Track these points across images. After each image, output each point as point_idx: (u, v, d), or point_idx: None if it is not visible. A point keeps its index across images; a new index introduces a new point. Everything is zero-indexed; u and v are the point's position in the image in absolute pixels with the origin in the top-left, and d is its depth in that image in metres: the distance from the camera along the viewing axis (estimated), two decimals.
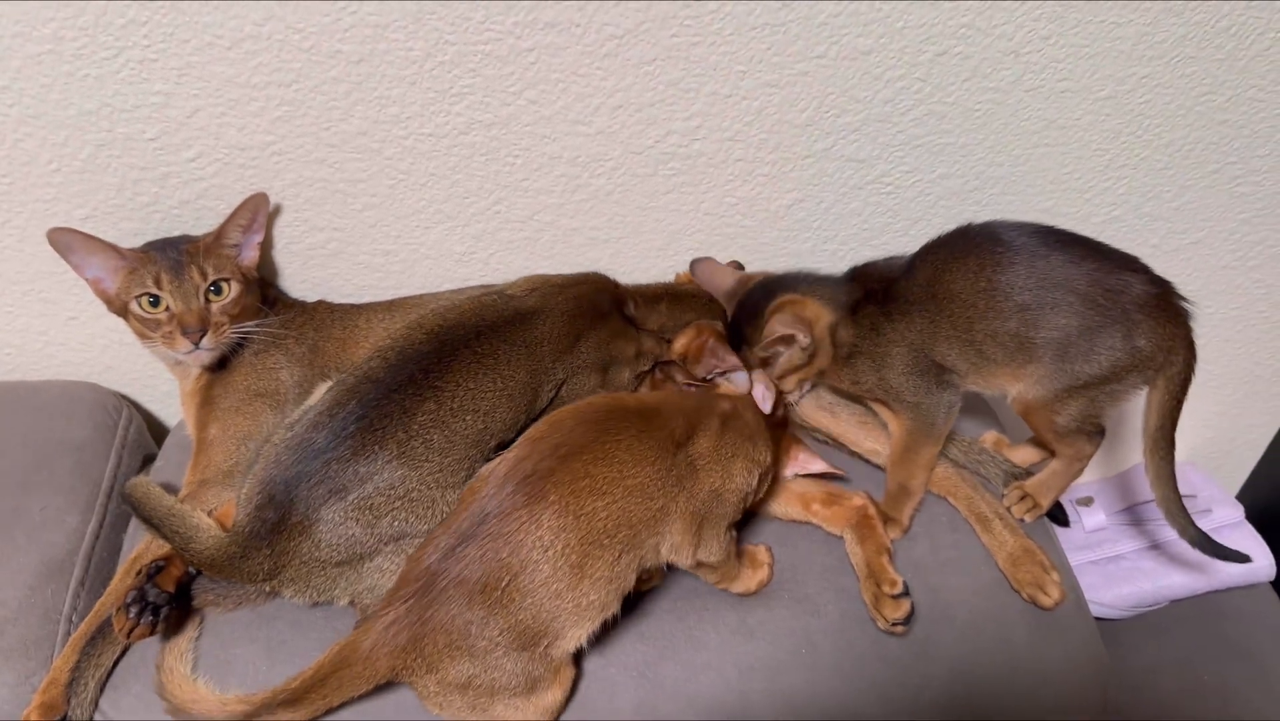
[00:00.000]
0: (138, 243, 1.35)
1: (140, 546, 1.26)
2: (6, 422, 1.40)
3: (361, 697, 1.08)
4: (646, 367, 1.38)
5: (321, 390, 1.25)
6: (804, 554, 1.32)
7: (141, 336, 1.34)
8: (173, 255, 1.32)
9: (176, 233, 1.39)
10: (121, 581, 1.23)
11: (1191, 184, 1.59)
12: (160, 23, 1.21)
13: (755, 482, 1.15)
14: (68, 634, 1.23)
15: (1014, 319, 1.19)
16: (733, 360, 1.30)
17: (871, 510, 1.30)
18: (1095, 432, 1.34)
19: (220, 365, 1.36)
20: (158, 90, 1.27)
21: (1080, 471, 1.44)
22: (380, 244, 1.48)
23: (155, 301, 1.30)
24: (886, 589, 1.21)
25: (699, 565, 1.13)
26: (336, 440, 1.12)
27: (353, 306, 1.46)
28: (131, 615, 1.10)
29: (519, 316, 1.26)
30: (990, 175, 1.53)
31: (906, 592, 1.21)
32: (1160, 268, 1.22)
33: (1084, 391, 1.22)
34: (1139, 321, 1.19)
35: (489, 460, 1.18)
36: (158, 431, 1.65)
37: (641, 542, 1.07)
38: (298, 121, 1.32)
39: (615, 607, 1.09)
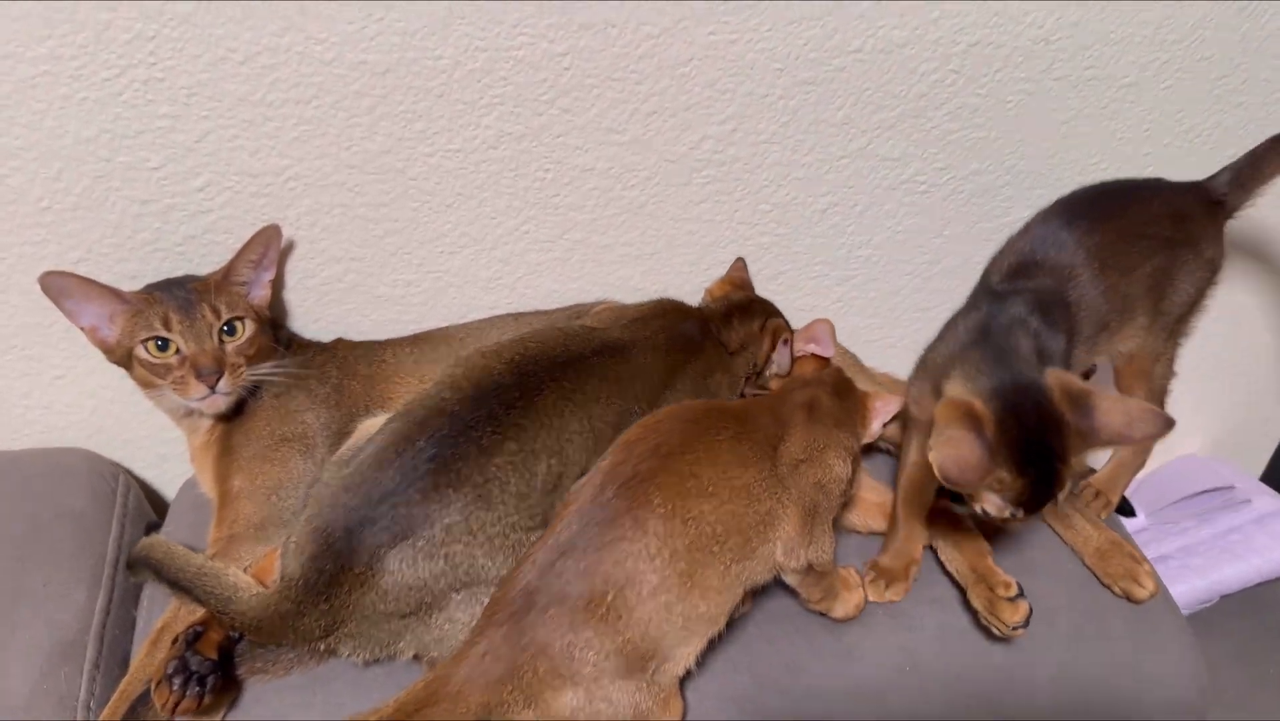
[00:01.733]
0: (136, 286, 1.23)
1: (167, 615, 1.11)
2: None
3: None
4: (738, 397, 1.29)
5: (365, 427, 1.14)
6: None
7: (146, 386, 1.22)
8: (180, 294, 1.20)
9: (179, 274, 1.27)
10: (148, 656, 1.09)
11: (1210, 168, 1.60)
12: (168, 38, 1.11)
13: (850, 470, 1.08)
14: None
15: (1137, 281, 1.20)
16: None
17: (959, 511, 1.24)
18: (1167, 421, 1.32)
19: (235, 413, 1.24)
20: (164, 113, 1.17)
21: (1144, 463, 1.40)
22: (401, 273, 1.38)
23: (163, 345, 1.18)
24: (1001, 592, 1.13)
25: (808, 571, 1.05)
26: (406, 481, 1.00)
27: (375, 342, 1.36)
28: (175, 687, 0.96)
29: (608, 349, 1.15)
30: (1020, 169, 1.51)
31: (1022, 593, 1.13)
32: None
33: (1177, 326, 1.25)
34: (1205, 234, 1.25)
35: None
36: (153, 501, 1.49)
37: (753, 551, 0.99)
38: (316, 142, 1.23)
39: (722, 623, 1.00)
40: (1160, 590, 1.26)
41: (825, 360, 1.25)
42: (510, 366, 1.08)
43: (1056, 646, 1.20)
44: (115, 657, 1.16)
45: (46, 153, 1.16)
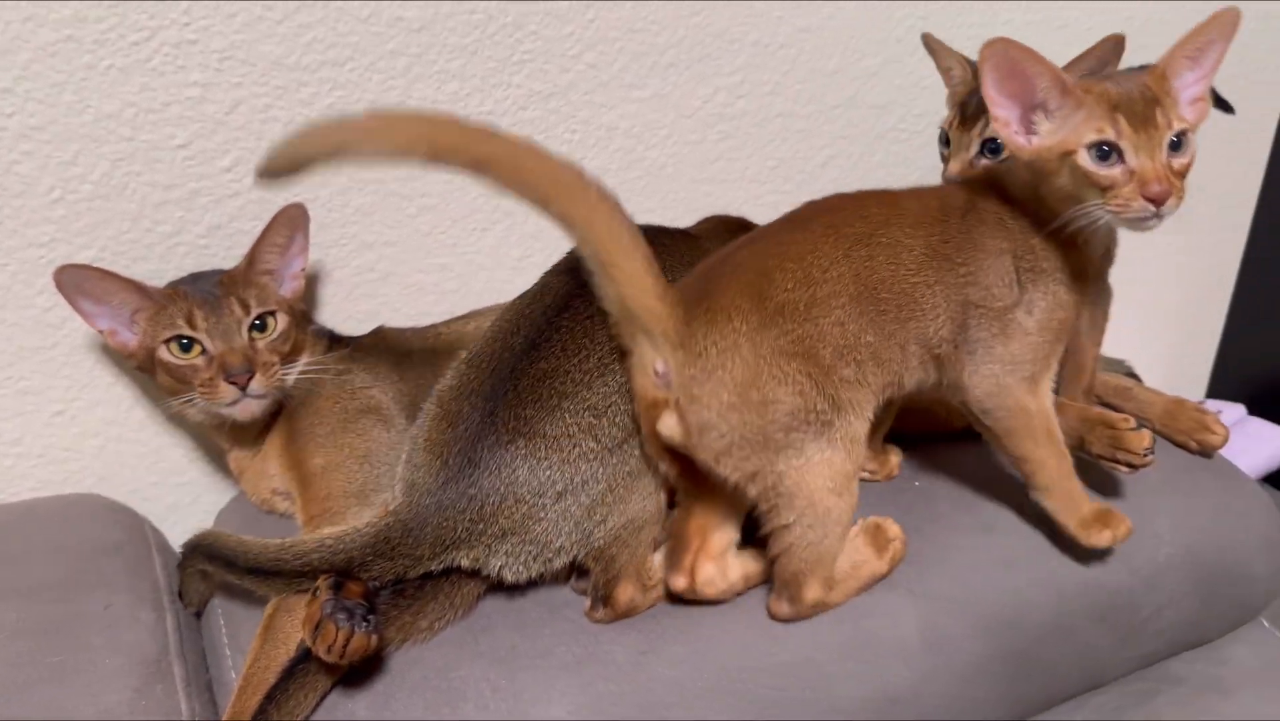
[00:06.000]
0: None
1: (274, 601, 0.96)
2: (17, 537, 1.05)
3: None
4: None
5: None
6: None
7: (172, 394, 1.10)
8: (206, 288, 1.10)
9: (204, 270, 1.16)
10: (264, 643, 0.92)
11: None
12: None
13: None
14: None
15: None
16: None
17: None
18: None
19: (271, 417, 1.13)
20: (194, 81, 1.10)
21: None
22: (435, 256, 1.31)
23: (187, 345, 1.07)
24: (1121, 425, 1.14)
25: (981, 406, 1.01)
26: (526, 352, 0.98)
27: (421, 327, 1.28)
28: (342, 622, 0.82)
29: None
30: None
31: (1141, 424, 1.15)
32: None
33: None
34: None
35: None
36: None
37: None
38: (351, 109, 1.18)
39: None
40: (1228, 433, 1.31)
41: None
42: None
43: (1172, 514, 1.20)
44: (200, 681, 0.98)
45: (63, 132, 1.06)
